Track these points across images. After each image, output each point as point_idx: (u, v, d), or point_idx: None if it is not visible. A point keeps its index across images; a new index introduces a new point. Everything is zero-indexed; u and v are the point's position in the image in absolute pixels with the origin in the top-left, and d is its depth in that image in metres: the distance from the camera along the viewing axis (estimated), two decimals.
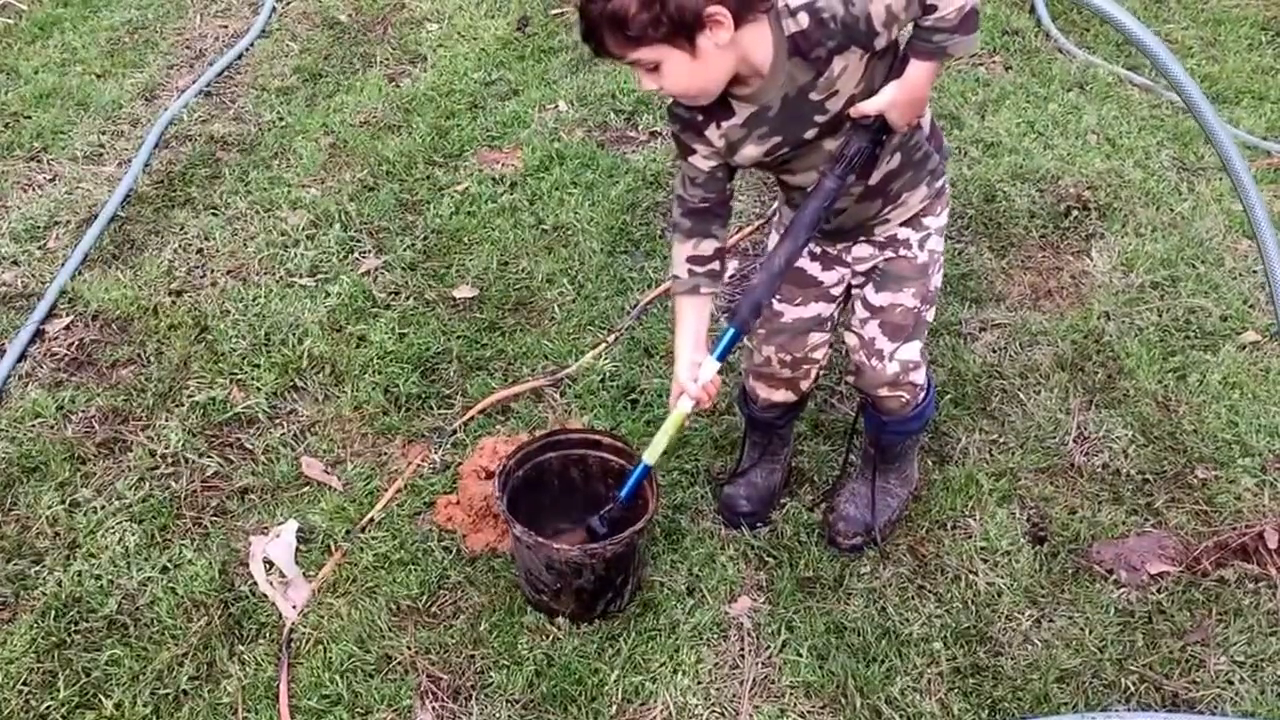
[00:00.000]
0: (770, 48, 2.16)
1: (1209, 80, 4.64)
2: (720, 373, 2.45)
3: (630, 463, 2.72)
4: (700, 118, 2.31)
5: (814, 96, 2.22)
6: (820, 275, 2.64)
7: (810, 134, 2.28)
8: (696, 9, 2.03)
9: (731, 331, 2.42)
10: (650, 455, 2.54)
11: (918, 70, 2.18)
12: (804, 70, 2.18)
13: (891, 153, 2.38)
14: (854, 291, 2.65)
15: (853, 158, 2.26)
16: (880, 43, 2.16)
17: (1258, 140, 4.27)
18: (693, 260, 2.48)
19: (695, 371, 2.43)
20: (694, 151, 2.37)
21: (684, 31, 2.05)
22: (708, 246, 2.47)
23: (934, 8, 2.09)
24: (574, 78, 4.76)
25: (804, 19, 2.13)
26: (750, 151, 2.32)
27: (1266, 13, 5.18)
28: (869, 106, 2.21)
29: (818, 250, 2.61)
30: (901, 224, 2.52)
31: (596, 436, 2.84)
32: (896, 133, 2.31)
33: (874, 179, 2.38)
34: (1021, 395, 3.25)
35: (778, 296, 2.65)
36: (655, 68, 2.13)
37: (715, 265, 2.49)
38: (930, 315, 2.63)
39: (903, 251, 2.54)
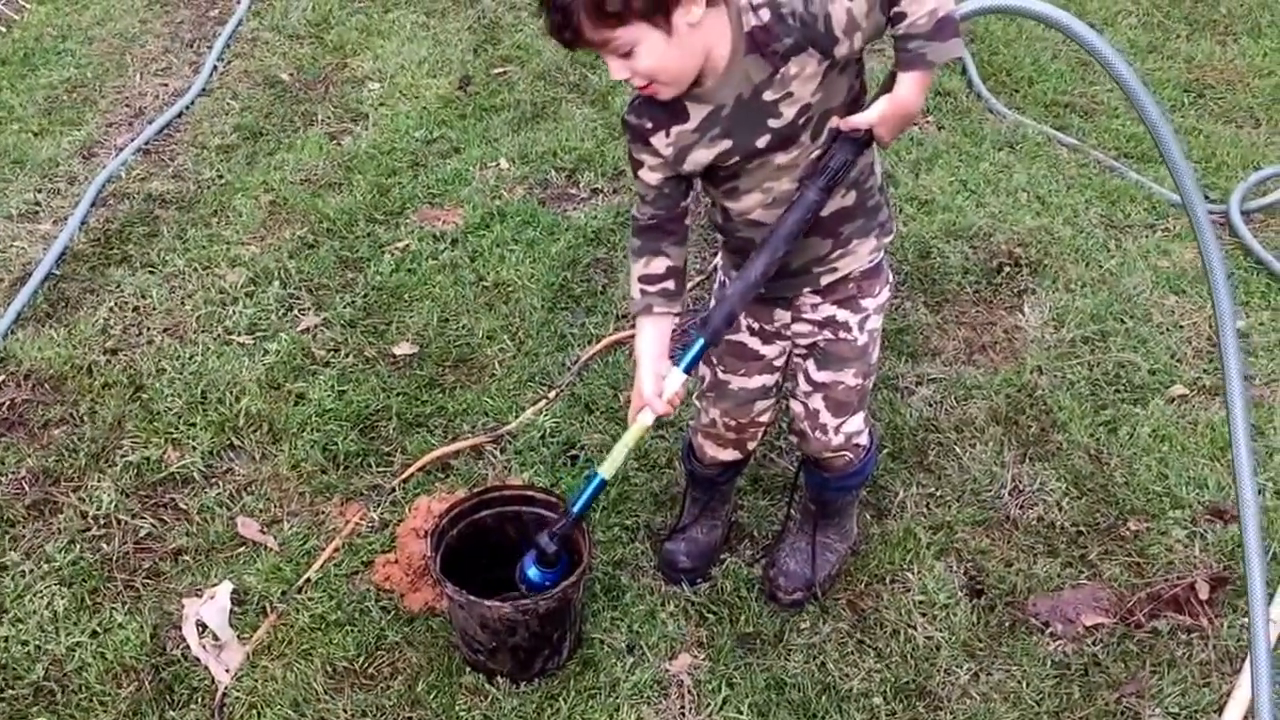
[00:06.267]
0: (729, 42, 2.15)
1: (1134, 140, 4.74)
2: (684, 384, 2.38)
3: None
4: (650, 125, 2.28)
5: (768, 96, 2.19)
6: (761, 349, 2.64)
7: (762, 141, 2.24)
8: None
9: (701, 342, 2.36)
10: (607, 469, 2.46)
11: (904, 83, 2.14)
12: (760, 68, 2.17)
13: (847, 189, 2.35)
14: (796, 361, 2.65)
15: (836, 170, 2.22)
16: (840, 51, 2.14)
17: (1180, 199, 4.37)
18: (644, 280, 2.43)
19: (659, 385, 2.36)
20: (642, 164, 2.34)
21: (661, 6, 2.03)
22: (659, 265, 2.42)
23: (903, 15, 2.07)
24: (515, 136, 4.79)
25: (765, 14, 2.13)
26: (699, 156, 2.28)
27: (1188, 75, 5.32)
28: (859, 120, 2.18)
29: (756, 325, 2.61)
30: (839, 304, 2.52)
31: (530, 493, 2.83)
32: (882, 148, 2.28)
33: (825, 211, 2.32)
34: (957, 449, 3.29)
35: (721, 366, 2.66)
36: (629, 52, 2.10)
37: (669, 284, 2.43)
38: (871, 383, 2.65)
39: (842, 334, 2.54)
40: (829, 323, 2.54)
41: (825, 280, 2.48)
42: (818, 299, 2.52)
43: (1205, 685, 2.68)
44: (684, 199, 2.41)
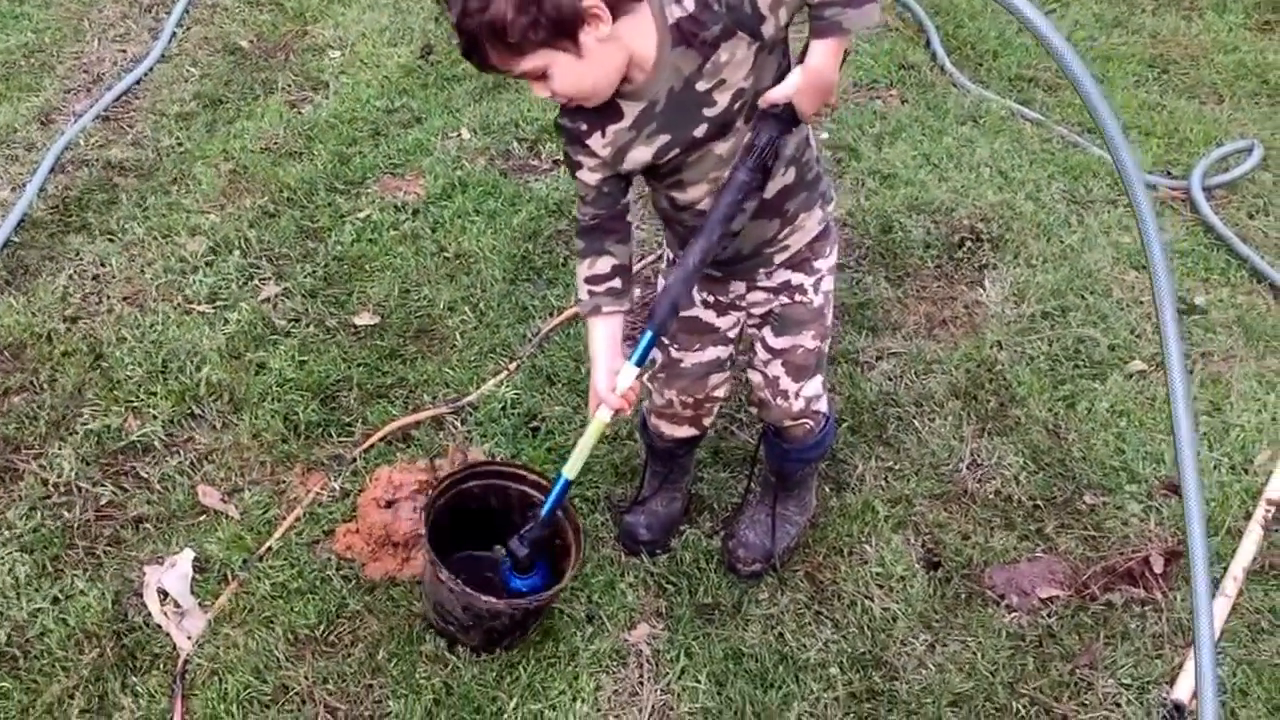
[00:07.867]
0: (654, 39, 2.12)
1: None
2: (638, 377, 2.41)
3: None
4: (584, 127, 2.26)
5: (700, 86, 2.16)
6: (715, 321, 2.65)
7: (700, 131, 2.22)
8: (573, 5, 1.98)
9: (649, 334, 2.38)
10: (570, 469, 2.49)
11: (818, 51, 2.11)
12: (689, 59, 2.14)
13: (786, 166, 2.35)
14: (751, 332, 2.66)
15: (763, 148, 2.21)
16: (768, 29, 2.11)
17: (1144, 175, 4.40)
18: (590, 280, 2.44)
19: (613, 380, 2.38)
20: (580, 166, 2.32)
21: (564, 31, 2.01)
22: (604, 265, 2.43)
23: None
24: (477, 106, 4.77)
25: (689, 3, 2.10)
26: (639, 154, 2.26)
27: (1153, 50, 5.35)
28: (776, 94, 2.16)
29: (711, 299, 2.62)
30: (793, 267, 2.53)
31: (521, 471, 2.81)
32: (804, 123, 2.27)
33: (769, 192, 2.34)
34: (917, 423, 3.32)
35: (675, 345, 2.67)
36: (543, 75, 2.09)
37: (615, 283, 2.44)
38: (828, 346, 2.67)
39: (798, 297, 2.56)
40: (784, 287, 2.55)
41: (779, 259, 2.51)
42: (771, 266, 2.54)
43: (1158, 657, 2.72)
44: (624, 196, 2.41)
